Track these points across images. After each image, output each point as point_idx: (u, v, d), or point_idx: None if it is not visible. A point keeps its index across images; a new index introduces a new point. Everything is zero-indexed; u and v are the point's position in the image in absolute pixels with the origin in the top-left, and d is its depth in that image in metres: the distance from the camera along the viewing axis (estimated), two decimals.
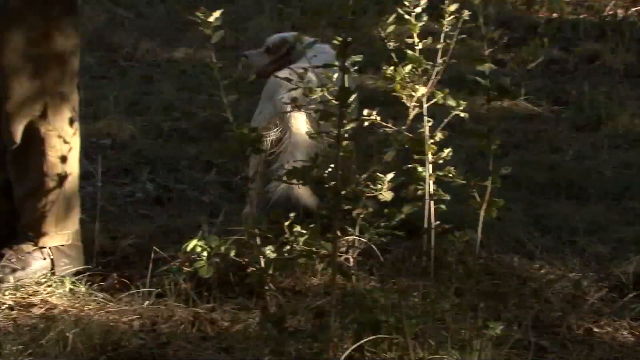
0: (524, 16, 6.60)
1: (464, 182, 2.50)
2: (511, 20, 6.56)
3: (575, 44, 6.37)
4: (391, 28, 2.48)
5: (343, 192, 2.43)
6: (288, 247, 2.55)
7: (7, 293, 2.87)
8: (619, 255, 3.43)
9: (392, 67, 2.48)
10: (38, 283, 2.98)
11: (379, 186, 2.49)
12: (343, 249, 2.60)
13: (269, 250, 2.60)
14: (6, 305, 2.83)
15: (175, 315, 2.88)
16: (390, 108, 2.78)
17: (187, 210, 3.70)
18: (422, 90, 2.50)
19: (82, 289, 2.99)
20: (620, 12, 6.72)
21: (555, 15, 6.92)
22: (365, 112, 2.51)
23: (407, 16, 2.46)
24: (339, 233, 2.50)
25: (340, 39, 2.33)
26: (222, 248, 2.63)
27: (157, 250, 3.16)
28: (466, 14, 2.42)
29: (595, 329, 2.94)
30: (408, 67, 2.49)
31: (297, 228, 2.53)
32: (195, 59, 5.52)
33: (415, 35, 2.48)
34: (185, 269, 2.98)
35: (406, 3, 2.47)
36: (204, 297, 2.98)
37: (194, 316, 2.89)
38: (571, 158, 4.46)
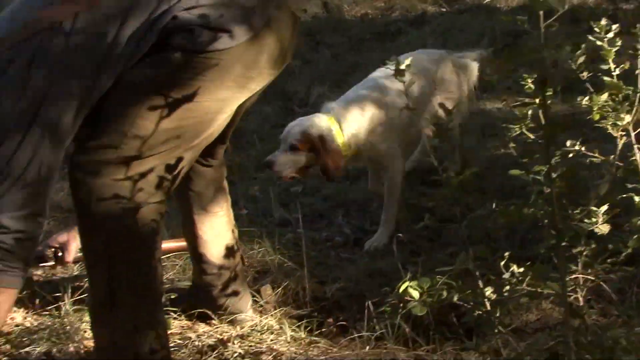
0: None
1: None
2: None
3: None
4: (582, 59, 2.40)
5: (562, 229, 2.37)
6: (508, 287, 2.51)
7: (236, 342, 2.95)
8: None
9: (587, 98, 2.39)
10: (261, 331, 3.06)
11: (594, 220, 2.41)
12: (570, 287, 2.52)
13: (489, 292, 2.56)
14: (237, 354, 2.90)
15: (397, 358, 2.88)
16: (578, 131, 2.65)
17: (386, 251, 3.71)
18: (627, 118, 2.40)
19: (302, 335, 3.04)
20: None
21: None
22: (568, 143, 2.43)
23: (599, 42, 2.37)
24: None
25: (534, 77, 2.27)
26: (436, 290, 2.61)
27: (368, 293, 3.18)
28: None
29: None
30: (604, 96, 2.40)
31: (514, 267, 2.49)
32: None
33: (610, 60, 2.39)
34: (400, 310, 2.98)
35: (596, 30, 2.38)
36: (422, 338, 2.98)
37: (415, 358, 2.89)
38: None
